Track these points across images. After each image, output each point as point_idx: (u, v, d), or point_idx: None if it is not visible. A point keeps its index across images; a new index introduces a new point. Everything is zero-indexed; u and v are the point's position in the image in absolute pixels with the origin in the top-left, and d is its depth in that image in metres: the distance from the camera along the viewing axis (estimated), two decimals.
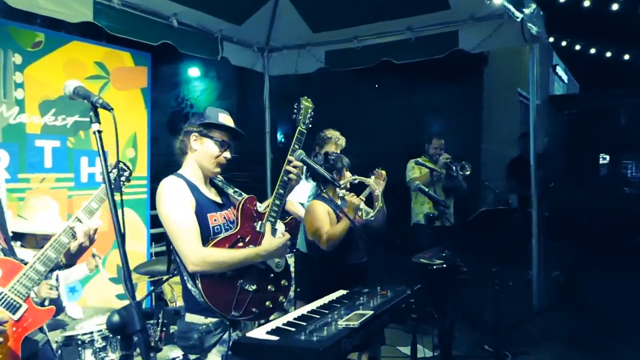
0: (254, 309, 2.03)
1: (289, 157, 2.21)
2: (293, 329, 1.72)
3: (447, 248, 3.13)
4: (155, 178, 3.04)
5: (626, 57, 12.86)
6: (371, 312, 1.83)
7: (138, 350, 1.18)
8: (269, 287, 2.11)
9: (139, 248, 4.33)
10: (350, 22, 5.39)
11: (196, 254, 1.94)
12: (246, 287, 2.02)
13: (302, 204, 3.81)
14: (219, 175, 2.26)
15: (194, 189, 2.09)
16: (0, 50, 3.38)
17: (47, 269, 1.64)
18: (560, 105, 14.32)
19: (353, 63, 5.70)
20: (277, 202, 2.18)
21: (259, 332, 1.70)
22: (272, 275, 2.14)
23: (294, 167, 2.19)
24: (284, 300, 2.16)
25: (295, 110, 2.30)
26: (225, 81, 15.31)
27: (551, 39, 11.86)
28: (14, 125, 3.47)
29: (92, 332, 2.73)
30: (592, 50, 13.04)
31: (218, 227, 2.09)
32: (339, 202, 3.00)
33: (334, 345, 1.54)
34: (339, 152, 3.89)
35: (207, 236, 2.04)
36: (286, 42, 5.93)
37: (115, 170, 1.71)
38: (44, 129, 3.63)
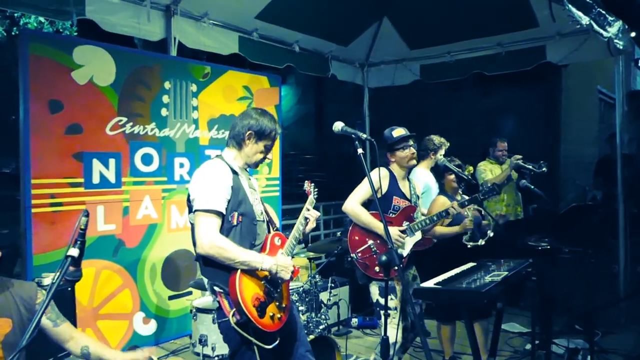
0: None
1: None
2: (452, 282, 2.48)
3: (547, 236, 3.75)
4: None
5: None
6: (506, 273, 2.55)
7: None
8: None
9: None
10: (445, 39, 6.07)
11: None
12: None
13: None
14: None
15: (393, 178, 3.18)
16: (183, 82, 4.39)
17: (296, 242, 2.54)
18: None
19: (446, 76, 6.36)
20: (428, 222, 3.18)
21: (429, 284, 2.48)
22: None
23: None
24: None
25: None
26: (303, 87, 16.30)
27: (633, 34, 11.87)
28: (192, 139, 4.47)
29: None
30: None
31: (398, 206, 3.13)
32: (459, 197, 3.69)
33: (487, 291, 2.27)
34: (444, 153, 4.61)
35: (387, 209, 3.10)
36: (384, 58, 6.71)
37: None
38: (210, 141, 4.62)
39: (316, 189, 2.81)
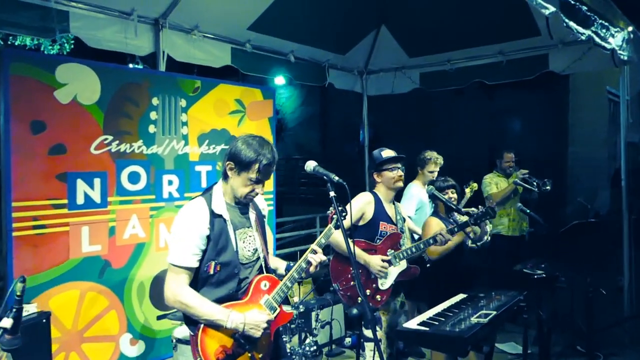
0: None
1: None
2: (437, 323, 2.36)
3: (546, 260, 3.61)
4: None
5: None
6: (494, 312, 2.42)
7: None
8: None
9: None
10: (444, 47, 5.93)
11: None
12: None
13: (409, 217, 4.44)
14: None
15: (378, 202, 3.08)
16: (172, 97, 4.28)
17: (292, 285, 2.32)
18: None
19: (446, 84, 6.23)
20: (413, 250, 3.06)
21: (412, 324, 2.36)
22: None
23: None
24: None
25: None
26: (308, 88, 16.16)
27: None
28: (181, 155, 4.37)
29: None
30: None
31: (385, 232, 3.03)
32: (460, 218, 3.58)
33: (473, 334, 2.16)
34: (437, 170, 4.49)
35: (374, 236, 2.99)
36: (383, 66, 6.57)
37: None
38: (201, 156, 4.52)
39: (344, 213, 2.19)
